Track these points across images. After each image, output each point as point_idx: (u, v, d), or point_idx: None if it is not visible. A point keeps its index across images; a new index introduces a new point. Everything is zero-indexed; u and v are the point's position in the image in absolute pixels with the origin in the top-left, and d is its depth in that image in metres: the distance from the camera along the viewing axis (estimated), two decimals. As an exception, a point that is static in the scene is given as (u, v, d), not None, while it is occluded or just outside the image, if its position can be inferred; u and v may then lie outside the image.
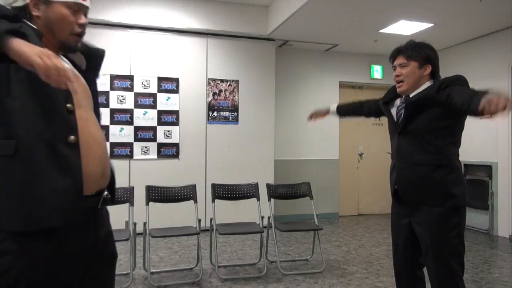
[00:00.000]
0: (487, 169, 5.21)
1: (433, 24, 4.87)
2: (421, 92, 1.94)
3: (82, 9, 1.28)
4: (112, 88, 4.90)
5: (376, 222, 5.85)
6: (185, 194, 3.67)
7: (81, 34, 1.29)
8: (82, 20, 1.28)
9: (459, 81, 1.89)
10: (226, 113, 5.38)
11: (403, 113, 1.99)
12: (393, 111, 2.10)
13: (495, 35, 5.20)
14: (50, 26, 1.23)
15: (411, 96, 1.99)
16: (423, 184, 1.91)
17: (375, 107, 2.33)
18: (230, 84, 5.39)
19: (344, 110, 2.56)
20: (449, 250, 1.86)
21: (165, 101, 5.11)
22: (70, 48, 1.29)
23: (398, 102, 2.10)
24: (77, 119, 1.22)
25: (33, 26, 1.21)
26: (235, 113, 5.41)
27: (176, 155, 5.13)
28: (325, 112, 2.57)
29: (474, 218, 5.30)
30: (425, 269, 2.02)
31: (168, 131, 5.11)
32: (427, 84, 1.97)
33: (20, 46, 1.04)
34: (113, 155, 4.87)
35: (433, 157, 1.88)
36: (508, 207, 4.98)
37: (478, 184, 5.23)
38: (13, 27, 1.07)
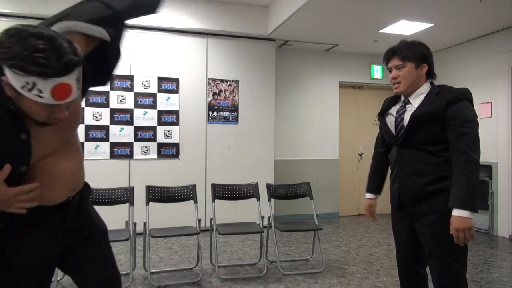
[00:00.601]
0: (487, 169, 5.21)
1: (433, 24, 4.87)
2: (427, 105, 1.87)
3: (62, 106, 1.12)
4: (112, 88, 4.91)
5: (376, 222, 5.84)
6: (185, 194, 3.68)
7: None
8: (60, 115, 1.13)
9: (466, 95, 1.85)
10: (226, 113, 5.38)
11: (403, 124, 1.94)
12: (390, 120, 2.04)
13: (495, 35, 5.20)
14: (25, 109, 1.11)
15: (411, 99, 1.95)
16: (426, 194, 1.87)
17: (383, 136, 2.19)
18: (230, 84, 5.39)
19: (379, 184, 2.27)
20: (452, 252, 1.85)
21: (165, 101, 5.11)
22: (42, 124, 1.16)
23: (395, 109, 2.04)
24: (45, 164, 1.26)
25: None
26: (235, 113, 5.41)
27: (176, 155, 5.14)
28: (375, 202, 2.27)
29: (474, 218, 5.28)
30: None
31: (168, 131, 5.11)
32: (425, 86, 1.94)
33: None
34: (113, 155, 4.87)
35: (436, 168, 1.85)
36: (508, 207, 4.98)
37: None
38: None
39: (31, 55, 1.00)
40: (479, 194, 1.93)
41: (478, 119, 1.87)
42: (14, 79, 1.03)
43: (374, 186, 2.25)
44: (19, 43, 1.01)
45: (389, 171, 2.21)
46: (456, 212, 1.74)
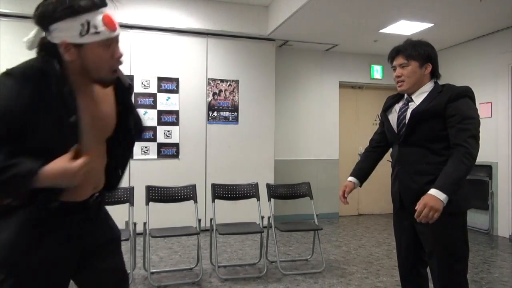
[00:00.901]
0: (487, 169, 5.21)
1: (433, 24, 4.87)
2: (428, 102, 1.88)
3: (115, 40, 1.22)
4: (112, 88, 4.90)
5: (376, 222, 5.86)
6: (185, 194, 3.68)
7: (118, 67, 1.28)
8: (118, 53, 1.23)
9: (467, 93, 1.85)
10: (226, 113, 5.38)
11: (406, 121, 1.94)
12: (393, 117, 2.05)
13: (495, 35, 5.20)
14: (86, 68, 1.20)
15: (414, 97, 1.95)
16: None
17: (383, 132, 2.18)
18: (230, 84, 5.39)
19: (364, 172, 2.24)
20: (453, 252, 1.84)
21: (165, 101, 5.11)
22: (106, 83, 1.28)
23: (397, 107, 2.05)
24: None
25: (57, 66, 1.16)
26: (235, 113, 5.42)
27: (176, 155, 5.14)
28: (352, 186, 2.24)
29: (474, 218, 5.30)
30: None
31: (168, 131, 5.12)
32: (429, 84, 1.95)
33: (47, 179, 1.09)
34: (113, 155, 4.87)
35: (438, 167, 1.81)
36: (508, 207, 4.98)
37: (478, 184, 5.23)
38: (33, 167, 1.08)
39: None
40: (466, 189, 1.90)
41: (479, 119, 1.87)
42: (71, 29, 1.12)
43: (359, 172, 2.24)
44: None
45: (378, 165, 2.21)
46: (432, 191, 1.72)
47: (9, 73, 1.10)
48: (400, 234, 2.08)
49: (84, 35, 1.13)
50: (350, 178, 2.25)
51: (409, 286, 2.09)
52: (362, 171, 2.24)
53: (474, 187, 5.24)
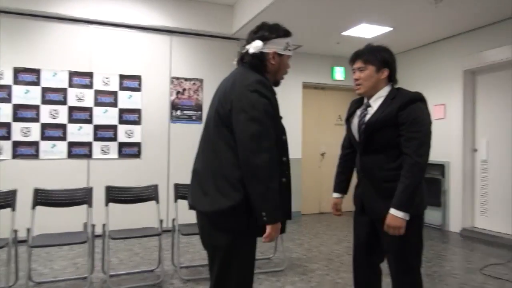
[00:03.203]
0: (440, 168, 5.47)
1: (392, 28, 5.05)
2: (382, 111, 1.95)
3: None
4: (70, 85, 4.73)
5: (337, 220, 5.99)
6: (147, 194, 3.61)
7: None
8: (289, 65, 1.88)
9: (418, 98, 1.93)
10: (190, 112, 5.33)
11: (364, 130, 2.00)
12: (354, 125, 2.10)
13: (450, 40, 5.46)
14: (277, 70, 1.83)
15: (371, 101, 2.02)
16: (387, 201, 1.90)
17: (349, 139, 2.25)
18: (194, 83, 5.34)
19: (345, 184, 2.33)
20: (409, 248, 1.94)
21: (126, 99, 4.99)
22: (278, 84, 1.92)
23: (359, 112, 2.10)
24: None
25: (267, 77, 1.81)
26: (199, 112, 5.37)
27: (138, 155, 5.03)
28: (340, 201, 2.35)
29: (428, 215, 5.52)
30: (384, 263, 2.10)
31: (130, 130, 5.00)
32: (386, 89, 2.01)
33: (274, 233, 1.66)
34: (71, 155, 4.70)
35: (396, 173, 1.89)
36: (459, 204, 5.26)
37: (431, 182, 5.48)
38: (284, 216, 1.70)
39: (285, 29, 1.82)
40: (424, 193, 2.01)
41: (432, 120, 1.95)
42: (281, 45, 1.79)
43: (341, 186, 2.34)
44: (277, 27, 1.81)
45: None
46: (392, 211, 1.84)
47: (262, 82, 1.71)
48: (359, 229, 2.15)
49: (286, 51, 1.81)
50: (335, 195, 2.35)
51: (360, 279, 2.16)
52: (343, 184, 2.34)
53: (428, 185, 5.35)
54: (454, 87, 5.37)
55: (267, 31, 1.77)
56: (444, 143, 5.37)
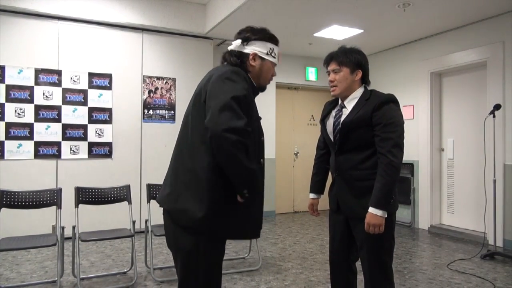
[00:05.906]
0: (409, 167, 5.64)
1: (362, 31, 5.16)
2: (357, 111, 1.99)
3: (275, 66, 1.87)
4: (37, 83, 4.57)
5: (311, 219, 6.08)
6: (119, 195, 3.53)
7: None
8: (275, 73, 1.87)
9: (390, 100, 1.98)
10: (163, 112, 5.26)
11: (340, 127, 2.04)
12: (329, 125, 2.14)
13: (417, 43, 5.64)
14: (259, 74, 1.81)
15: (346, 103, 2.06)
16: (362, 200, 1.96)
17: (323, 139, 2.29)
18: (166, 82, 5.28)
19: (321, 184, 2.38)
20: (382, 245, 1.99)
21: (96, 98, 4.87)
22: (263, 89, 1.89)
23: (334, 113, 2.14)
24: None
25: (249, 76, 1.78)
26: (172, 112, 5.31)
27: (109, 155, 4.92)
28: (317, 201, 2.40)
29: (398, 213, 5.61)
30: (358, 262, 2.15)
31: (100, 129, 4.88)
32: (359, 90, 2.06)
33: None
34: (38, 155, 4.54)
35: (371, 172, 1.95)
36: (427, 202, 5.44)
37: (402, 181, 5.64)
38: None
39: (270, 34, 1.85)
40: (395, 194, 2.06)
41: (404, 121, 2.00)
42: (263, 48, 1.80)
43: (317, 186, 2.38)
44: (262, 30, 1.84)
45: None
46: (371, 210, 1.89)
47: (236, 71, 1.67)
48: (334, 228, 2.19)
49: (269, 56, 1.81)
50: (312, 195, 2.39)
51: (338, 279, 2.20)
52: (318, 184, 2.37)
53: (399, 184, 5.60)
54: (422, 88, 5.54)
55: (250, 32, 1.82)
56: (413, 143, 5.54)
